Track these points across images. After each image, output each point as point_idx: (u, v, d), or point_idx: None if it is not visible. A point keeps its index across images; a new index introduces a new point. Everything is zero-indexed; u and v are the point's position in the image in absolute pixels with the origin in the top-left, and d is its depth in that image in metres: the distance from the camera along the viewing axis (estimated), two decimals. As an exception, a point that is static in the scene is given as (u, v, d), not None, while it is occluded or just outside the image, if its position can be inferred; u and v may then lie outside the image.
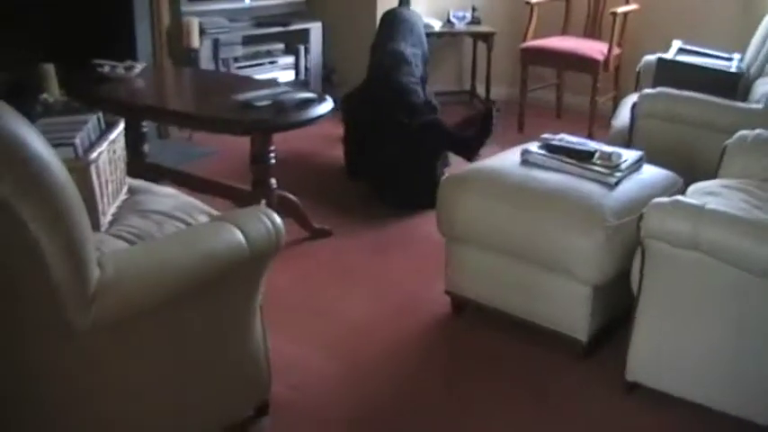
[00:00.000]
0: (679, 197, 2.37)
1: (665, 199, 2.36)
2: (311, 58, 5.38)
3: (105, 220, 2.17)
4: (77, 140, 2.11)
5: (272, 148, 3.28)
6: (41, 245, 1.62)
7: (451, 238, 2.89)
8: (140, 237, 2.09)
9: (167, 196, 2.37)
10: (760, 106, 3.23)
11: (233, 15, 5.00)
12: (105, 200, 2.18)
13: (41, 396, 1.86)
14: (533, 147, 2.91)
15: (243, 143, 3.43)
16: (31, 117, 3.57)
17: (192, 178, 3.70)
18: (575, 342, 2.68)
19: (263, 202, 3.25)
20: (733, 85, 3.57)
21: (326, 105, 3.27)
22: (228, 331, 2.14)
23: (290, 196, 3.53)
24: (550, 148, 2.87)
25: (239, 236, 2.01)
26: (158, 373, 1.98)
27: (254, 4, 5.16)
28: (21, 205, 1.58)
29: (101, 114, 2.35)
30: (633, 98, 3.54)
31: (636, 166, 2.84)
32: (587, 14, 5.22)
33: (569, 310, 2.66)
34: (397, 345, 2.80)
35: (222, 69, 4.85)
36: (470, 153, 3.88)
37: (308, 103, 3.24)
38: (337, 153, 4.41)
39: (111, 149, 2.27)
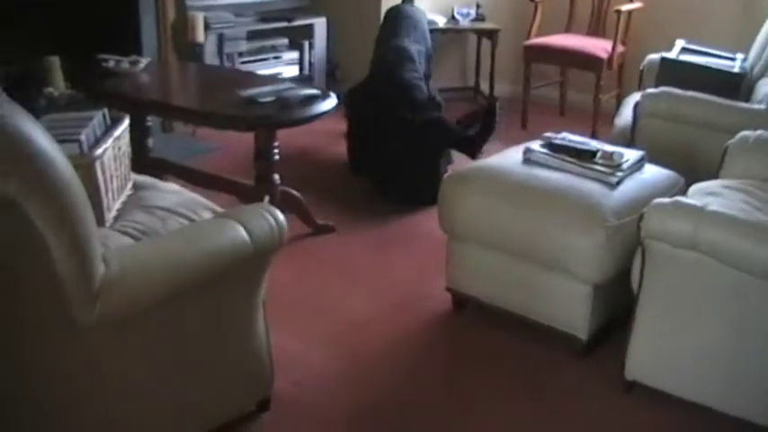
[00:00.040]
0: (680, 198, 2.37)
1: (665, 200, 2.36)
2: (315, 53, 5.39)
3: (110, 215, 2.19)
4: (83, 137, 2.13)
5: (276, 144, 3.30)
6: (48, 241, 1.63)
7: (453, 236, 2.90)
8: (145, 233, 2.11)
9: (171, 192, 2.39)
10: (762, 106, 3.24)
11: (238, 10, 5.02)
12: (110, 195, 2.20)
13: (41, 396, 1.87)
14: (535, 145, 2.92)
15: (246, 138, 3.44)
16: (36, 110, 3.60)
17: (196, 173, 3.71)
18: (574, 340, 2.70)
19: (267, 198, 3.26)
20: (736, 86, 3.57)
21: (330, 102, 3.28)
22: (230, 328, 2.15)
23: (293, 192, 3.54)
24: (552, 147, 2.88)
25: (243, 233, 2.03)
26: (159, 372, 1.99)
27: (259, -1, 5.18)
28: (27, 202, 1.59)
29: (106, 111, 2.37)
30: (636, 97, 3.55)
31: (637, 165, 2.85)
32: (591, 12, 5.22)
33: (569, 308, 2.67)
34: (397, 341, 2.82)
35: (227, 64, 4.87)
36: (473, 150, 3.88)
37: (312, 99, 3.25)
38: (340, 149, 4.42)
39: (116, 146, 2.29)
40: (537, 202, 2.67)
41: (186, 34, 4.57)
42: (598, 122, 4.81)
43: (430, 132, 3.88)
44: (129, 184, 2.42)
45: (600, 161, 2.78)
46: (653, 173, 2.88)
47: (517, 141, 3.12)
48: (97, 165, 2.12)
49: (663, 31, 4.76)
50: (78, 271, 1.69)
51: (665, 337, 2.41)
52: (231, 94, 3.29)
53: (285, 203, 3.37)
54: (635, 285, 2.44)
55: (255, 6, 5.16)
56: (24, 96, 3.54)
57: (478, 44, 5.68)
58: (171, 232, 2.12)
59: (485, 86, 5.66)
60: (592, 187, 2.67)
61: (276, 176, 3.35)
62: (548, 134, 2.98)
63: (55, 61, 4.05)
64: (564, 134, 2.98)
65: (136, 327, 1.88)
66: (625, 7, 4.84)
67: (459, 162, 3.98)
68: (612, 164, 2.77)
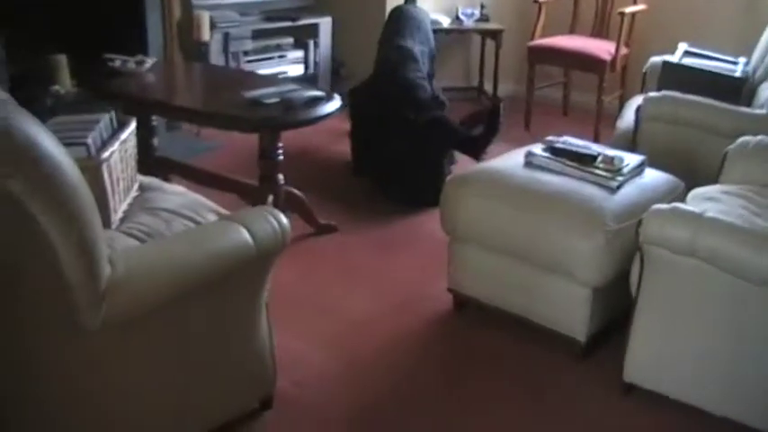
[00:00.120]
0: (678, 204, 2.38)
1: (664, 206, 2.38)
2: (320, 52, 5.41)
3: (116, 217, 2.22)
4: (90, 140, 2.15)
5: (280, 144, 3.32)
6: (54, 243, 1.65)
7: (454, 238, 2.93)
8: (150, 234, 2.14)
9: (176, 194, 2.42)
10: (763, 111, 3.25)
11: (243, 9, 5.04)
12: (116, 198, 2.22)
13: (42, 395, 1.89)
14: (537, 149, 2.94)
15: (250, 138, 3.46)
16: (42, 109, 3.62)
17: (200, 172, 3.74)
18: (573, 342, 2.72)
19: (271, 198, 3.29)
20: (737, 90, 3.58)
21: (334, 104, 3.29)
22: (233, 329, 2.18)
23: (296, 192, 3.56)
24: (554, 151, 2.90)
25: (246, 235, 2.05)
26: (162, 373, 2.01)
27: (265, -2, 5.21)
28: (31, 202, 1.61)
29: (113, 113, 2.38)
30: (638, 100, 3.56)
31: (638, 170, 2.87)
32: (595, 14, 5.23)
33: (569, 310, 2.70)
34: (398, 341, 2.84)
35: (232, 63, 4.89)
36: (477, 152, 3.89)
37: (316, 101, 3.27)
38: (343, 148, 4.44)
39: (122, 148, 2.31)
40: (538, 205, 2.70)
41: (192, 33, 4.59)
42: (601, 124, 4.82)
43: (433, 132, 3.89)
44: (136, 186, 2.44)
45: (600, 165, 2.80)
46: (653, 177, 2.90)
47: (520, 142, 3.14)
48: (104, 168, 2.14)
49: (666, 33, 4.77)
50: (85, 273, 1.71)
51: (663, 341, 2.43)
52: (236, 95, 3.31)
53: (287, 203, 3.39)
54: (634, 289, 2.46)
55: (261, 5, 5.18)
56: (30, 95, 3.58)
57: (482, 44, 5.69)
58: (176, 234, 2.15)
59: (489, 86, 5.67)
60: (592, 191, 2.70)
61: (280, 176, 3.36)
62: (549, 138, 3.00)
63: (62, 60, 4.08)
64: (565, 138, 3.00)
65: (140, 328, 1.90)
66: (629, 9, 4.86)
67: (463, 163, 4.00)
68: (613, 168, 2.79)
